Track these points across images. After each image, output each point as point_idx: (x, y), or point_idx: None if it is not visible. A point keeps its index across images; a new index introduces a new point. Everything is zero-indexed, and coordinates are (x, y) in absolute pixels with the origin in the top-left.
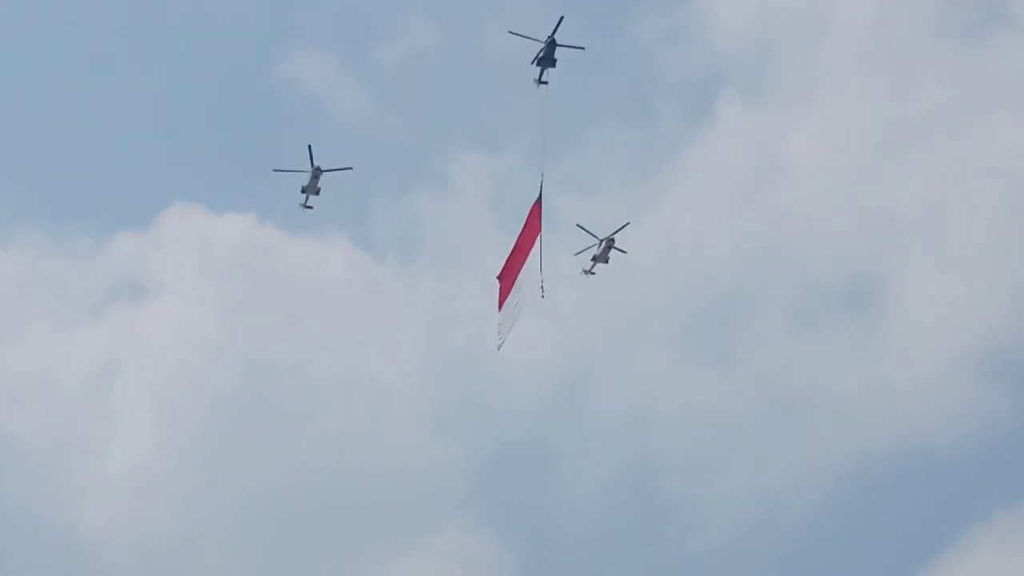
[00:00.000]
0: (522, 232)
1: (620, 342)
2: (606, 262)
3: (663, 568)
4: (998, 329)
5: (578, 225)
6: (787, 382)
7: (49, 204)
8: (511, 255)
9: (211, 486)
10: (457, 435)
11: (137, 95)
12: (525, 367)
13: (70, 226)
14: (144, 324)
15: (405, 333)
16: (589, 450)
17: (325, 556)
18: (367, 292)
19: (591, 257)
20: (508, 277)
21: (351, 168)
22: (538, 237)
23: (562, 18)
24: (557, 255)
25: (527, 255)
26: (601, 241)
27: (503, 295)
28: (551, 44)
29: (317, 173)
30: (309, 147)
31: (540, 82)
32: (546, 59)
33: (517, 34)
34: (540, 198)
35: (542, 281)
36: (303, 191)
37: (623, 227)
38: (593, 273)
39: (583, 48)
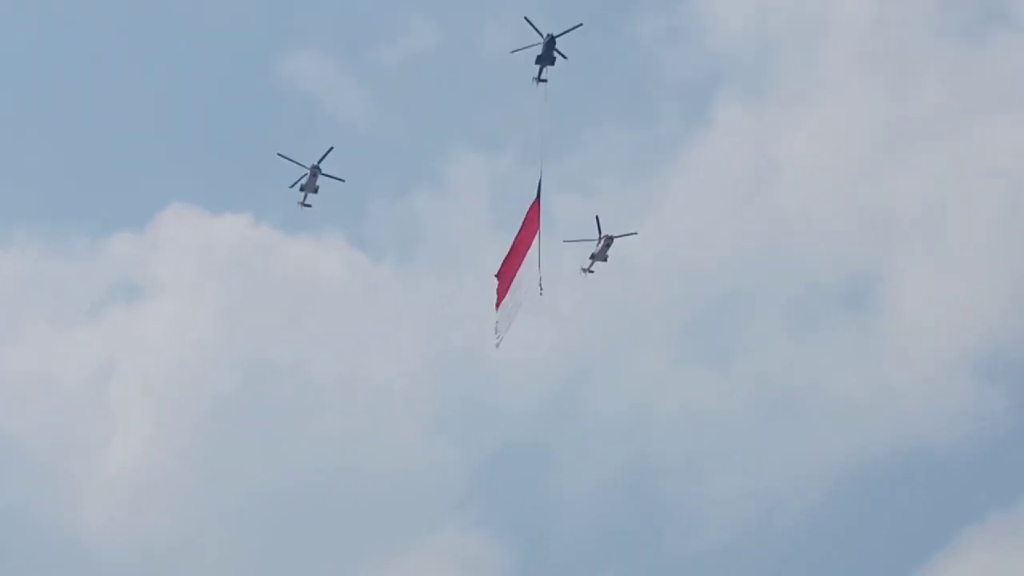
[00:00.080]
0: (520, 230)
1: (619, 342)
2: (605, 260)
3: (662, 568)
4: (997, 329)
5: (565, 240)
6: (786, 382)
7: (47, 204)
8: (509, 253)
9: (210, 486)
10: (456, 435)
11: (135, 95)
12: (524, 367)
13: (68, 226)
14: (142, 324)
15: (403, 333)
16: (588, 450)
17: (324, 556)
18: (365, 292)
19: (590, 255)
20: (506, 275)
21: (343, 180)
22: (536, 235)
23: (579, 25)
24: (556, 255)
25: (525, 253)
26: (600, 239)
27: (501, 293)
28: (550, 42)
29: (315, 172)
30: (280, 154)
31: (539, 80)
32: (545, 57)
33: (520, 48)
34: (539, 196)
35: (540, 279)
36: (301, 189)
37: (629, 235)
38: (592, 271)
39: (581, 24)
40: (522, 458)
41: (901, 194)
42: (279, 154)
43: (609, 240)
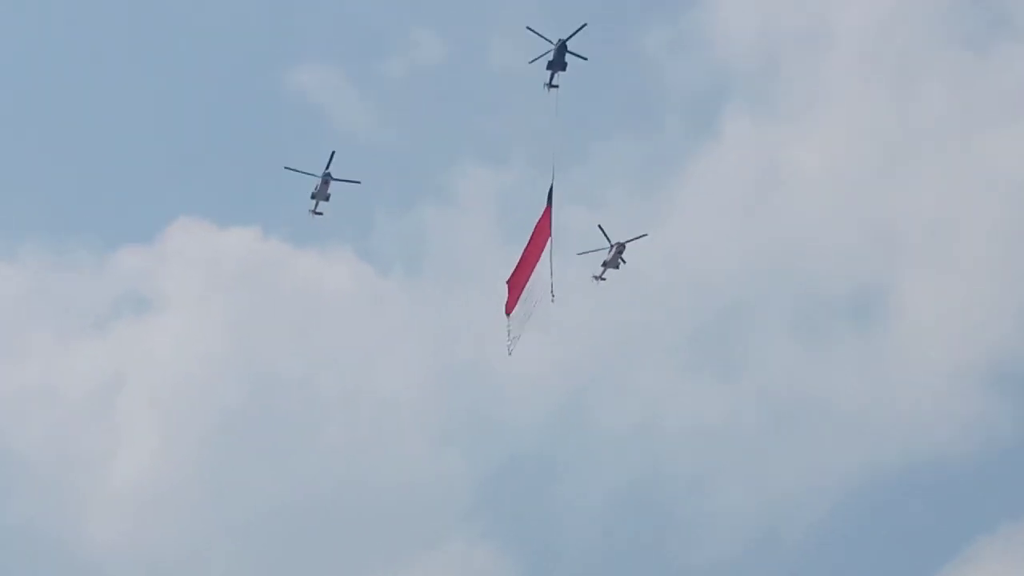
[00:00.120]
0: (532, 237)
1: (625, 354)
2: (617, 267)
3: None
4: (1004, 340)
5: (578, 254)
6: (793, 394)
7: (53, 218)
8: (521, 260)
9: (216, 500)
10: (462, 448)
11: (142, 108)
12: (530, 380)
13: (74, 240)
14: (148, 338)
15: (410, 346)
16: (594, 462)
17: (331, 569)
18: (372, 305)
19: (601, 263)
20: (518, 281)
21: (359, 182)
22: (548, 242)
23: (584, 25)
24: (562, 268)
25: (537, 259)
26: (612, 246)
27: (512, 300)
28: (561, 47)
29: (327, 179)
30: (333, 154)
31: (550, 86)
32: (556, 63)
33: (537, 58)
34: (550, 202)
35: (552, 285)
36: (312, 197)
37: (639, 237)
38: (604, 279)
39: (586, 24)
40: (528, 470)
41: (907, 205)
42: (287, 167)
43: (621, 247)
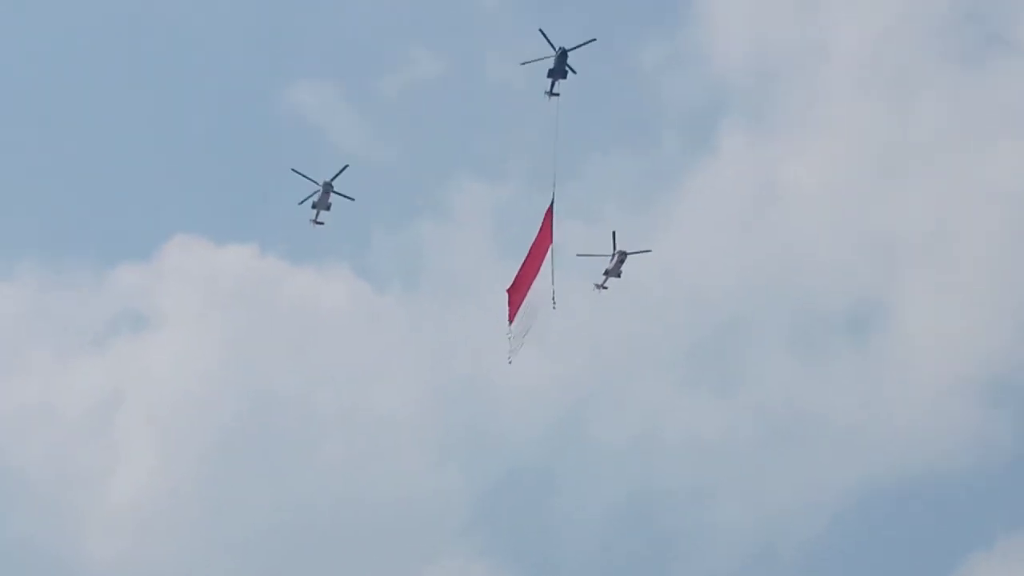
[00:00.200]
0: (534, 244)
1: (623, 369)
2: (619, 276)
3: None
4: (1001, 353)
5: (578, 255)
6: (790, 408)
7: (51, 235)
8: (522, 267)
9: (214, 516)
10: (460, 463)
11: (139, 127)
12: (528, 394)
13: (72, 258)
14: (146, 355)
15: (407, 362)
16: (592, 477)
17: None
18: (369, 322)
19: (603, 271)
20: (519, 289)
21: (353, 199)
22: (549, 248)
23: (593, 40)
24: (561, 281)
25: (539, 266)
26: (614, 255)
27: (514, 308)
28: (562, 55)
29: (328, 188)
30: (295, 170)
31: (551, 94)
32: (557, 71)
33: (530, 61)
34: (552, 209)
35: (553, 292)
36: (314, 207)
37: (643, 251)
38: (605, 287)
39: (595, 39)
40: (526, 485)
41: (903, 219)
42: (293, 169)
43: (623, 256)
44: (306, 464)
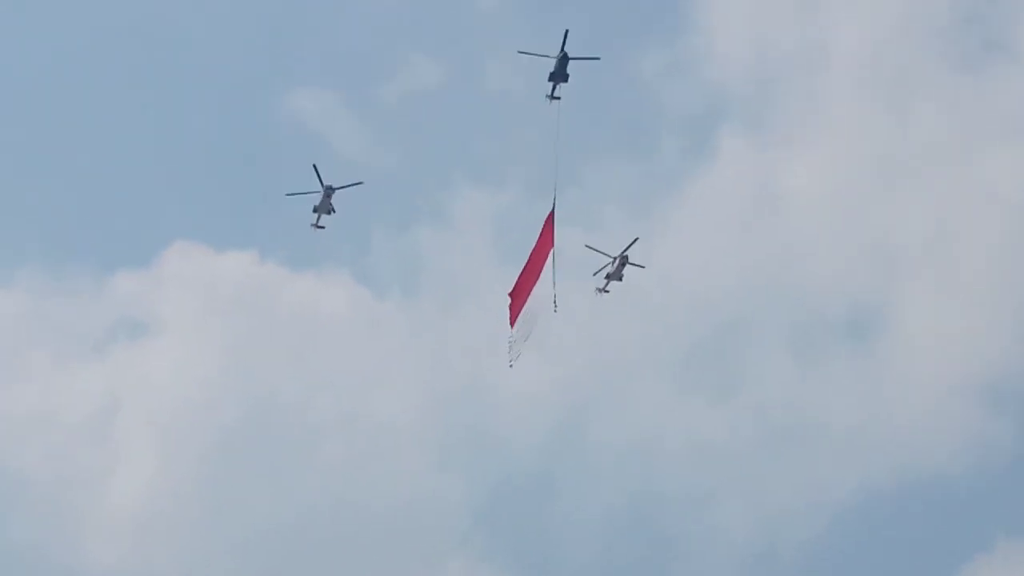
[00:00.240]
0: (535, 248)
1: (621, 374)
2: (620, 280)
3: None
4: (1000, 357)
5: (587, 246)
6: (789, 412)
7: (51, 242)
8: (523, 271)
9: (214, 521)
10: (460, 468)
11: (138, 134)
12: (528, 399)
13: (72, 264)
14: (146, 361)
15: (407, 368)
16: (592, 481)
17: None
18: (369, 328)
19: (604, 275)
20: (520, 293)
21: (362, 183)
22: (551, 252)
23: (567, 31)
24: (561, 287)
25: (540, 270)
26: (615, 259)
27: (515, 311)
28: (563, 59)
29: (329, 192)
30: (315, 167)
31: (552, 97)
32: (558, 74)
33: (528, 52)
34: (553, 213)
35: (555, 295)
36: (315, 210)
37: (633, 243)
38: (607, 291)
39: (599, 58)
40: (526, 489)
41: (903, 224)
42: (288, 194)
43: (624, 260)
44: (306, 469)
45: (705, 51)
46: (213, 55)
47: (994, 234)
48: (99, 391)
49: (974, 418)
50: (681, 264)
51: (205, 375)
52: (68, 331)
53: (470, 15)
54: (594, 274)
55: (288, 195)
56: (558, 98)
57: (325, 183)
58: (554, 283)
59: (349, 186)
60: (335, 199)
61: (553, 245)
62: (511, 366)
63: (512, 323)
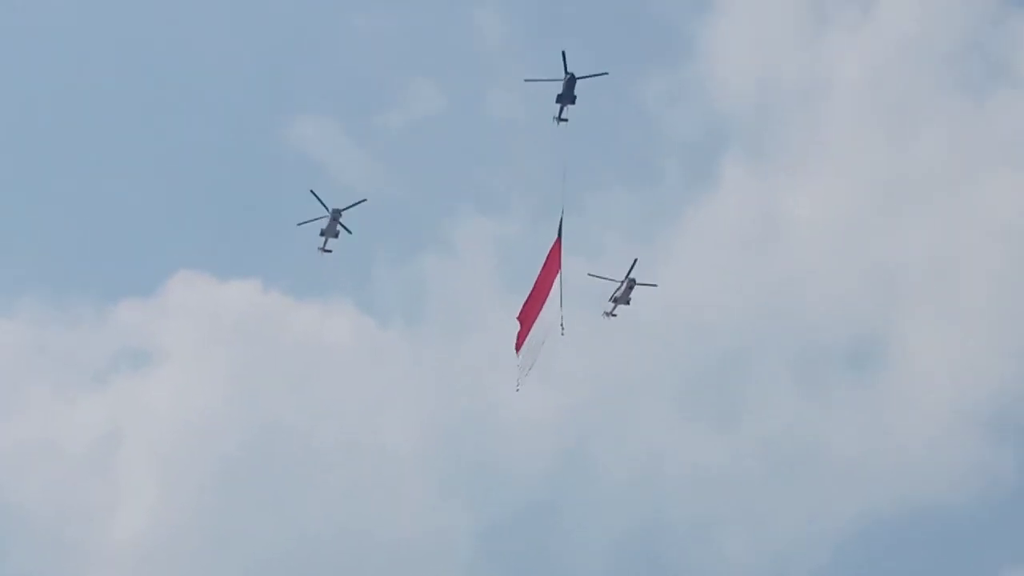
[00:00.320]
0: (542, 271)
1: (624, 402)
2: (628, 303)
3: None
4: (1004, 386)
5: (590, 274)
6: (793, 441)
7: (53, 272)
8: (531, 294)
9: (216, 552)
10: (464, 498)
11: (141, 162)
12: (530, 429)
13: (74, 294)
14: (149, 391)
15: (411, 397)
16: (595, 510)
17: None
18: (373, 357)
19: (611, 299)
20: (528, 317)
21: (366, 200)
22: (558, 275)
23: (605, 73)
24: (565, 313)
25: (547, 294)
26: (622, 283)
27: (522, 335)
28: (571, 80)
29: (335, 216)
30: (313, 192)
31: (560, 119)
32: (565, 96)
33: (535, 79)
34: (560, 236)
35: (562, 318)
36: (322, 234)
37: (633, 264)
38: (614, 315)
39: (607, 73)
40: (530, 518)
41: (905, 251)
42: (299, 224)
43: (632, 283)
44: (309, 498)
45: (707, 78)
46: (215, 84)
47: (998, 261)
48: (101, 421)
49: (978, 447)
50: (683, 292)
51: (208, 405)
52: (70, 361)
53: (473, 42)
54: (611, 299)
55: (300, 224)
56: (566, 120)
57: (331, 207)
58: (561, 306)
59: (353, 205)
60: (344, 218)
61: (560, 268)
62: (518, 390)
63: (518, 347)
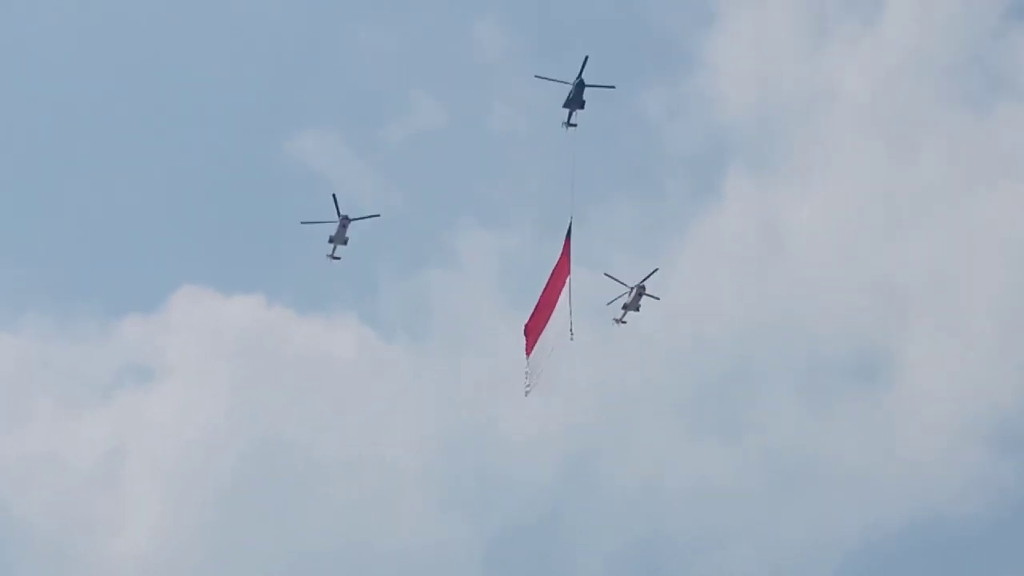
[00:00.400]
0: (551, 276)
1: (629, 417)
2: (637, 310)
3: None
4: (1007, 399)
5: (606, 274)
6: (798, 454)
7: (57, 287)
8: (540, 300)
9: (220, 566)
10: (467, 511)
11: (143, 177)
12: (534, 442)
13: (78, 309)
14: (153, 406)
15: (414, 410)
16: (599, 524)
17: None
18: (376, 371)
19: (622, 305)
20: (537, 322)
21: (378, 215)
22: (567, 281)
23: (587, 57)
24: (574, 318)
25: (557, 299)
26: (631, 289)
27: (531, 341)
28: (579, 85)
29: (345, 222)
30: (334, 196)
31: (568, 125)
32: (574, 101)
33: (545, 77)
34: (568, 239)
35: (571, 323)
36: (330, 241)
37: (652, 273)
38: (624, 322)
39: (613, 87)
40: (533, 532)
41: (910, 264)
42: (303, 222)
43: (642, 290)
44: (312, 512)
45: (709, 91)
46: (218, 98)
47: (1000, 273)
48: (105, 437)
49: (982, 459)
50: (687, 304)
51: (212, 419)
52: (73, 376)
53: (474, 55)
54: (608, 303)
55: (303, 223)
56: (574, 125)
57: (341, 213)
58: (570, 311)
59: (366, 217)
60: (350, 231)
61: (570, 273)
62: (526, 395)
63: (528, 353)
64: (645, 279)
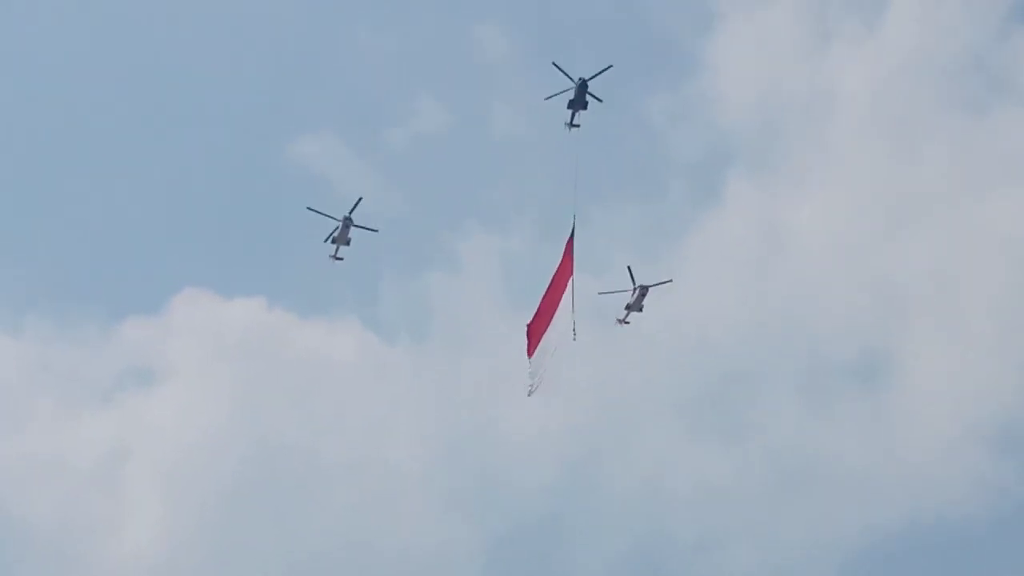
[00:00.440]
0: (555, 276)
1: (631, 417)
2: (640, 310)
3: None
4: (1008, 401)
5: (600, 293)
6: (799, 456)
7: (59, 290)
8: (543, 299)
9: (220, 569)
10: (468, 514)
11: (146, 180)
12: (535, 444)
13: (79, 312)
14: (154, 408)
15: (415, 413)
16: (601, 526)
17: None
18: (378, 373)
19: (625, 306)
20: (540, 322)
21: (377, 231)
22: (570, 280)
23: (610, 66)
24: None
25: (560, 298)
26: (635, 289)
27: (534, 341)
28: (582, 86)
29: (347, 223)
30: (359, 200)
31: (571, 125)
32: (577, 101)
33: (553, 95)
34: (572, 238)
35: (574, 323)
36: (333, 242)
37: (665, 283)
38: (627, 322)
39: (611, 66)
40: (535, 534)
41: (910, 267)
42: (309, 208)
43: (644, 290)
44: (314, 515)
45: (711, 94)
46: (220, 102)
47: (1003, 277)
48: (107, 439)
49: (984, 461)
50: (689, 306)
51: (213, 422)
52: (75, 379)
53: (475, 58)
54: (625, 307)
55: (309, 208)
56: (577, 126)
57: (344, 214)
58: (573, 311)
59: (366, 228)
60: (352, 234)
61: (572, 273)
62: (530, 395)
63: (530, 353)
64: (655, 285)
